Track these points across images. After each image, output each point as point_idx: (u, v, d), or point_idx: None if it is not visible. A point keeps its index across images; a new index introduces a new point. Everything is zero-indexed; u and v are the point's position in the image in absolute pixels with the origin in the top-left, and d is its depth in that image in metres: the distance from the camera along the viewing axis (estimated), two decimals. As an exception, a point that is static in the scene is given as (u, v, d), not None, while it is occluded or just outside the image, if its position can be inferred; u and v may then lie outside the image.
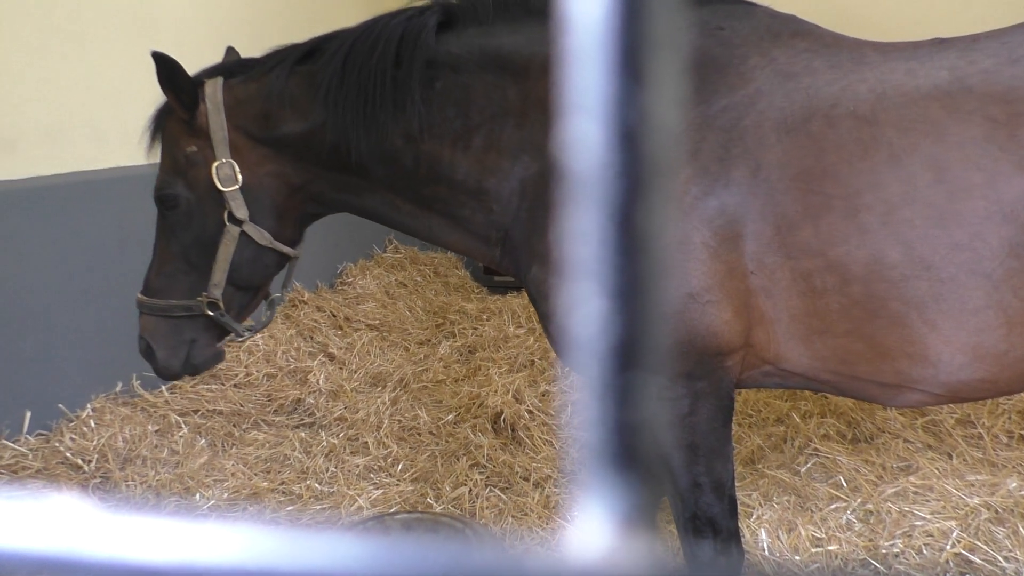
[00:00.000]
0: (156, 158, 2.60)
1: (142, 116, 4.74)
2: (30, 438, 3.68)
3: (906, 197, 1.85)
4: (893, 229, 1.85)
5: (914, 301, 1.86)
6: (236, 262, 2.38)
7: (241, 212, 2.34)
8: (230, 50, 2.69)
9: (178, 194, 2.40)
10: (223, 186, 2.32)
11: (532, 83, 2.21)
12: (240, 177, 2.33)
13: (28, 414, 3.70)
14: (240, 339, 2.54)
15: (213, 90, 2.37)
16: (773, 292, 1.98)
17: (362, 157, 2.31)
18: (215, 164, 2.33)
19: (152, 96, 4.57)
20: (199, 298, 2.40)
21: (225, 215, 2.35)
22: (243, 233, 2.36)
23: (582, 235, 0.30)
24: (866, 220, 1.87)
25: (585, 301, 0.30)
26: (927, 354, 1.90)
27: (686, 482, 2.10)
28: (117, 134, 4.29)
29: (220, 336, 2.53)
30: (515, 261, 2.30)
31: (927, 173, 1.84)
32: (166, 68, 2.34)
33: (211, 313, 2.40)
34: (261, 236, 2.37)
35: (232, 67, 2.49)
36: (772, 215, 1.94)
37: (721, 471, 2.12)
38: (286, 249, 2.43)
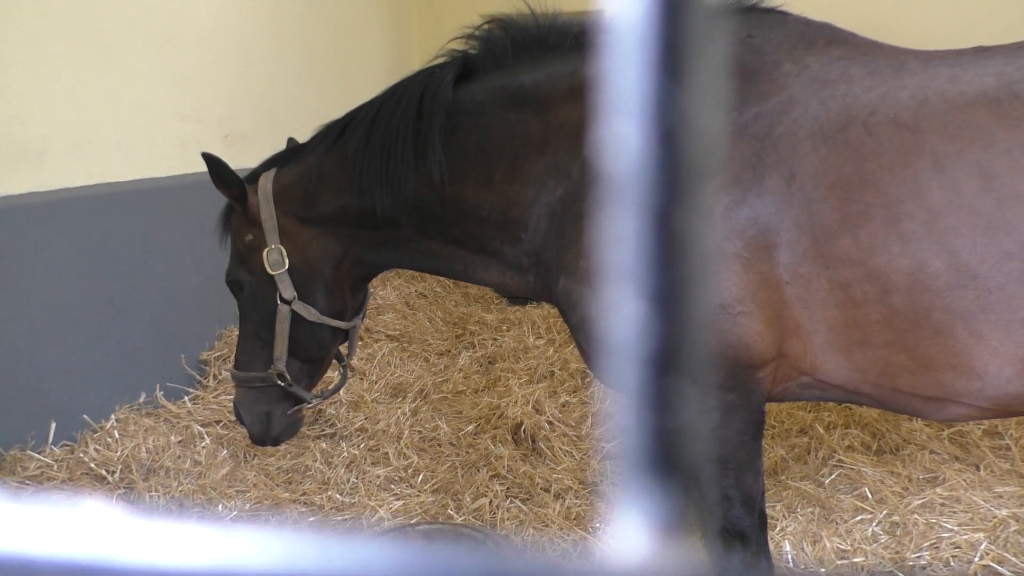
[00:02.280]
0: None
1: (167, 128, 4.78)
2: (55, 449, 3.71)
3: (951, 205, 1.80)
4: (938, 237, 1.80)
5: (959, 311, 1.81)
6: (292, 337, 2.60)
7: (288, 293, 2.56)
8: (290, 140, 2.89)
9: (242, 280, 2.65)
10: (272, 270, 2.55)
11: (554, 112, 2.27)
12: (287, 261, 2.54)
13: (53, 425, 3.74)
14: (309, 405, 2.78)
15: (265, 182, 2.58)
16: (809, 302, 1.94)
17: (387, 210, 2.43)
18: (265, 251, 2.55)
19: (176, 108, 4.60)
20: (269, 370, 2.64)
21: (277, 296, 2.57)
22: (293, 311, 2.57)
23: (612, 243, 0.30)
24: (908, 228, 1.83)
25: (615, 308, 0.29)
26: (973, 366, 1.84)
27: (715, 495, 2.08)
28: (143, 145, 4.34)
29: (295, 403, 2.76)
30: (546, 281, 2.34)
31: (973, 180, 1.79)
32: (214, 166, 2.55)
33: (280, 383, 2.65)
34: (309, 313, 2.58)
35: (286, 155, 2.69)
36: (808, 224, 1.91)
37: (751, 485, 2.09)
38: (334, 323, 2.63)
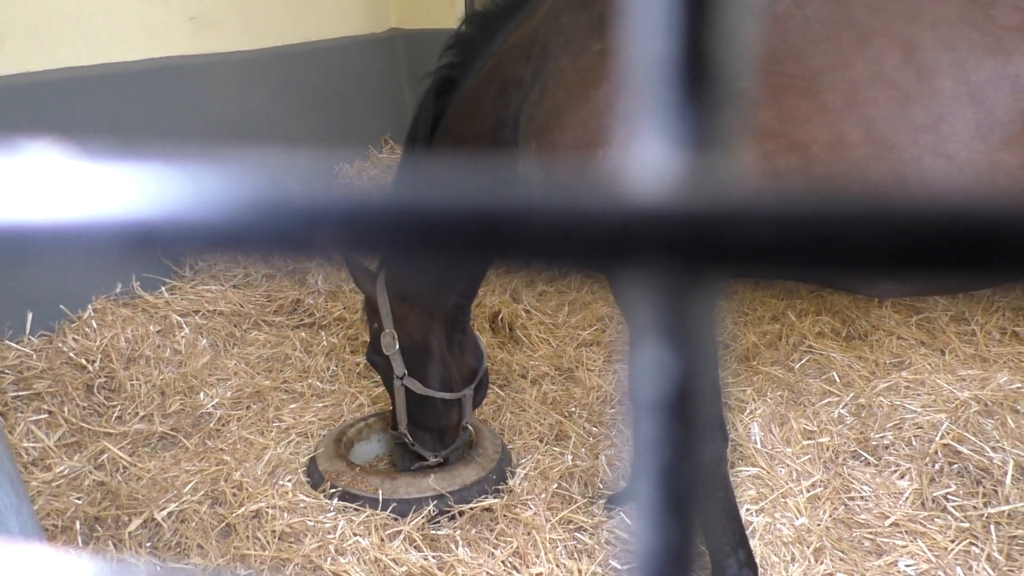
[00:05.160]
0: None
1: (131, 10, 4.61)
2: (33, 339, 3.71)
3: (872, 77, 1.83)
4: (857, 109, 1.84)
5: (876, 183, 1.83)
6: (409, 408, 2.92)
7: (399, 370, 2.87)
8: None
9: (375, 360, 2.97)
10: (386, 351, 2.86)
11: (508, 42, 2.38)
12: (397, 344, 2.83)
13: (30, 315, 3.73)
14: (427, 464, 3.00)
15: (383, 272, 2.85)
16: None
17: None
18: (382, 335, 2.85)
19: (138, -11, 4.35)
20: (399, 432, 2.98)
21: (394, 373, 2.89)
22: (405, 386, 2.87)
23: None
24: (829, 100, 1.86)
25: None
26: None
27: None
28: (108, 30, 4.18)
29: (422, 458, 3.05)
30: None
31: (896, 53, 1.82)
32: (350, 267, 2.87)
33: (406, 443, 2.98)
34: (416, 387, 2.87)
35: None
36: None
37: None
38: (440, 395, 2.89)
